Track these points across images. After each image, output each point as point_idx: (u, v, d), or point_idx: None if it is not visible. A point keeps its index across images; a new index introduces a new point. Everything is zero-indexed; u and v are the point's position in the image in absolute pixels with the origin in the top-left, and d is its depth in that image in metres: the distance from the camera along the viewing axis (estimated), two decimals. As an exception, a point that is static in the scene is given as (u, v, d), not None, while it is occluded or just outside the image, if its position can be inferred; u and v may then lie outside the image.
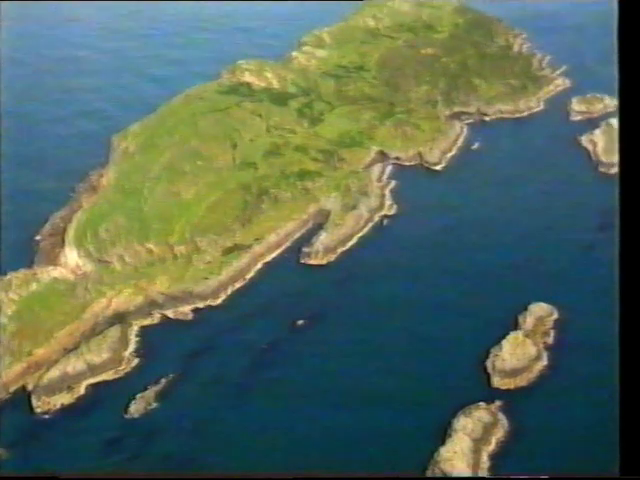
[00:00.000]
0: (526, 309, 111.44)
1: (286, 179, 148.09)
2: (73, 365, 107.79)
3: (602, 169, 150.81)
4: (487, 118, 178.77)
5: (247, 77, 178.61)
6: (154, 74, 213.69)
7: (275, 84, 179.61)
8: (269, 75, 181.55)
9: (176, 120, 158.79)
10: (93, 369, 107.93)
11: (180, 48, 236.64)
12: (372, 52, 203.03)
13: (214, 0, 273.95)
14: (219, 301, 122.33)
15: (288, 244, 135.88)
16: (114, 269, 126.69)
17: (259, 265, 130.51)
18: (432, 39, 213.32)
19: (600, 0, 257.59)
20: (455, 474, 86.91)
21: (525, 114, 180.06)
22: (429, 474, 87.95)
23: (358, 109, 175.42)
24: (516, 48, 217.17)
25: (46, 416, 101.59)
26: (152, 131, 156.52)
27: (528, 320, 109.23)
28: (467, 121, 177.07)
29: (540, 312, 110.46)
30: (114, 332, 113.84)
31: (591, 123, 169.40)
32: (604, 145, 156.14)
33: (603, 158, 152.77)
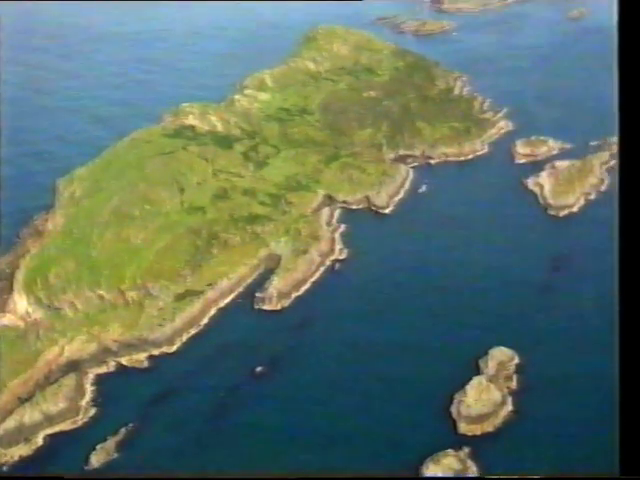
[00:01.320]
0: (487, 353, 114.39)
1: (235, 223, 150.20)
2: (29, 415, 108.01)
3: (551, 212, 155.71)
4: (432, 161, 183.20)
5: (191, 120, 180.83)
6: (97, 114, 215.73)
7: (219, 127, 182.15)
8: (213, 118, 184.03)
9: (122, 164, 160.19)
10: (50, 419, 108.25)
11: (122, 88, 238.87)
12: (314, 95, 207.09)
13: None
14: (174, 348, 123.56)
15: (241, 289, 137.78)
16: (65, 316, 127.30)
17: (213, 311, 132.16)
18: (373, 82, 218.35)
19: (538, 43, 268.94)
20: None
21: (470, 157, 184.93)
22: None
23: (303, 152, 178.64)
24: (457, 91, 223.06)
25: (4, 468, 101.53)
26: (99, 175, 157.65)
27: (490, 365, 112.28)
28: (412, 164, 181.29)
29: (501, 356, 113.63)
30: (69, 381, 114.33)
31: (536, 166, 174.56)
32: (551, 188, 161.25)
33: (551, 201, 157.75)
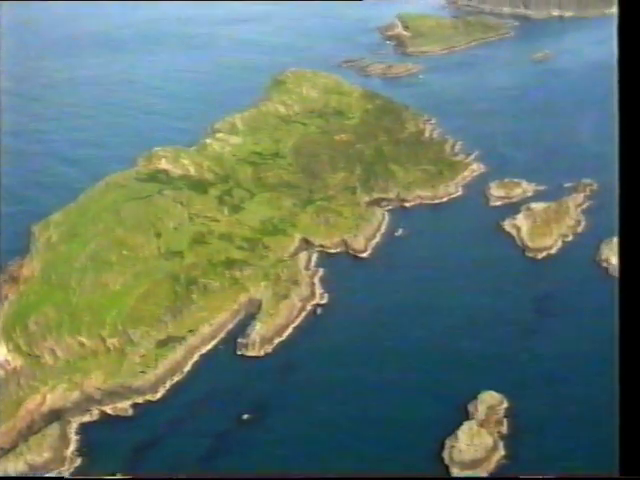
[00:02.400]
0: (475, 397, 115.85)
1: (214, 268, 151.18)
2: (13, 466, 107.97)
3: (529, 254, 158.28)
4: (407, 204, 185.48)
5: (164, 164, 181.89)
6: (70, 157, 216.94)
7: (192, 171, 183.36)
8: (186, 162, 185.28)
9: (98, 208, 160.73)
10: (35, 470, 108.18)
11: (92, 130, 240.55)
12: (286, 138, 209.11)
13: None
14: (158, 395, 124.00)
15: (222, 335, 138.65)
16: (46, 363, 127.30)
17: (195, 357, 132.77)
18: (344, 125, 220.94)
19: (505, 85, 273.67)
20: None
21: (444, 200, 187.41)
22: None
23: (278, 196, 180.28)
24: (427, 134, 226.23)
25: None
26: (74, 220, 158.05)
27: (480, 409, 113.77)
28: (387, 207, 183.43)
29: (491, 401, 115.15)
30: (53, 430, 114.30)
31: (511, 208, 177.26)
32: (528, 230, 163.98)
33: (529, 243, 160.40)
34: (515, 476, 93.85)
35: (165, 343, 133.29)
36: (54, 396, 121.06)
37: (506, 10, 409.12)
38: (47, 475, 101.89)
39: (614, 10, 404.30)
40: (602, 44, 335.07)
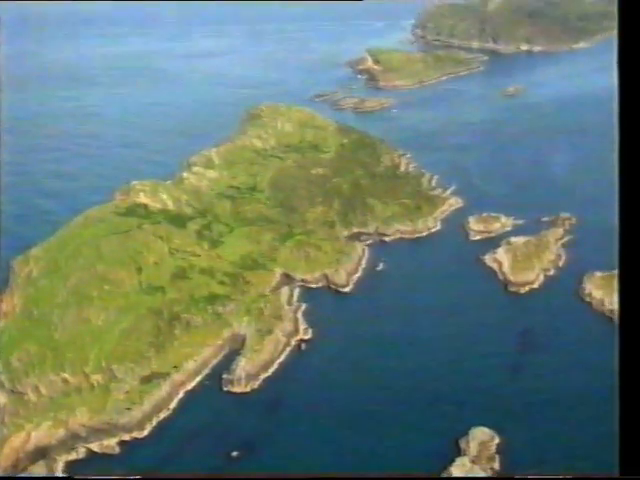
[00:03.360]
0: (467, 433, 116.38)
1: (196, 303, 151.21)
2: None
3: (512, 288, 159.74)
4: (387, 238, 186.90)
5: (142, 198, 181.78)
6: (47, 189, 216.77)
7: (170, 205, 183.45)
8: (164, 196, 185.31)
9: (78, 243, 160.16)
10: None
11: (68, 162, 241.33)
12: (262, 172, 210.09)
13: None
14: (145, 433, 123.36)
15: (207, 371, 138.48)
16: (29, 400, 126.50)
17: (181, 394, 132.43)
18: (320, 159, 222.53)
19: (477, 119, 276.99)
20: None
21: (424, 234, 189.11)
22: None
23: (257, 230, 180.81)
24: (403, 168, 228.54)
25: None
26: (55, 255, 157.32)
27: (471, 445, 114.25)
28: (367, 242, 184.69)
29: (482, 437, 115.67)
30: (39, 468, 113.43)
31: (491, 242, 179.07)
32: (510, 264, 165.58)
33: (511, 277, 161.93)
34: (515, 476, 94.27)
35: (149, 379, 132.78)
36: (39, 434, 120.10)
37: (475, 44, 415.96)
38: (46, 476, 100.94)
39: (582, 45, 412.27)
40: (572, 78, 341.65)
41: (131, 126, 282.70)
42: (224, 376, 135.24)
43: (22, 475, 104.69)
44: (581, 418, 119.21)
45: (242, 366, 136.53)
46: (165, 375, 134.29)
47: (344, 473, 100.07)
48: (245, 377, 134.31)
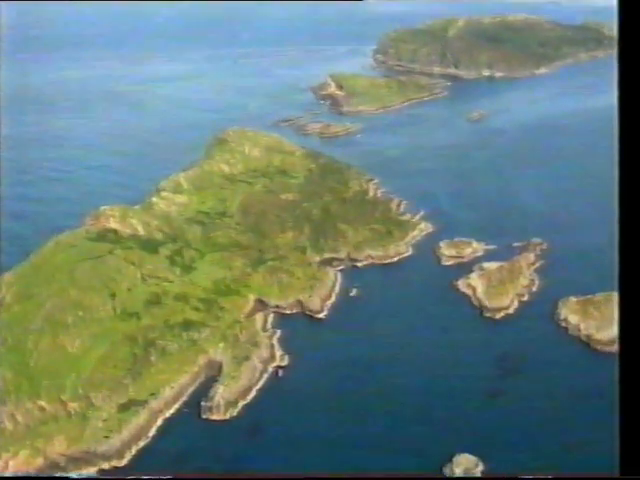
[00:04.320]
0: (451, 460, 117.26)
1: (171, 330, 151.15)
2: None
3: (487, 314, 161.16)
4: (359, 264, 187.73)
5: (112, 223, 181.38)
6: (18, 212, 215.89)
7: (141, 230, 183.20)
8: (134, 221, 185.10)
9: (51, 268, 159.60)
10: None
11: (36, 185, 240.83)
12: (232, 197, 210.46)
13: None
14: (125, 461, 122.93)
15: (184, 398, 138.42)
16: (6, 429, 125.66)
17: (159, 421, 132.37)
18: (288, 184, 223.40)
19: (443, 144, 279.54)
20: None
21: (396, 259, 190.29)
22: None
23: (229, 256, 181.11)
24: (371, 193, 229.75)
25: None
26: (28, 280, 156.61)
27: (456, 471, 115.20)
28: (339, 267, 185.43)
29: (466, 463, 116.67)
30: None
31: (463, 267, 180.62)
32: (484, 290, 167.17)
33: (486, 303, 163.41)
34: (515, 476, 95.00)
35: (127, 407, 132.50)
36: (17, 462, 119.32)
37: (436, 70, 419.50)
38: (46, 476, 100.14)
39: (543, 70, 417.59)
40: (534, 104, 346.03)
41: (97, 150, 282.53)
42: (202, 403, 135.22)
43: (22, 475, 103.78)
44: (565, 441, 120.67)
45: (220, 393, 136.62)
46: (143, 402, 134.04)
47: (344, 473, 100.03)
48: (224, 404, 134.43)
